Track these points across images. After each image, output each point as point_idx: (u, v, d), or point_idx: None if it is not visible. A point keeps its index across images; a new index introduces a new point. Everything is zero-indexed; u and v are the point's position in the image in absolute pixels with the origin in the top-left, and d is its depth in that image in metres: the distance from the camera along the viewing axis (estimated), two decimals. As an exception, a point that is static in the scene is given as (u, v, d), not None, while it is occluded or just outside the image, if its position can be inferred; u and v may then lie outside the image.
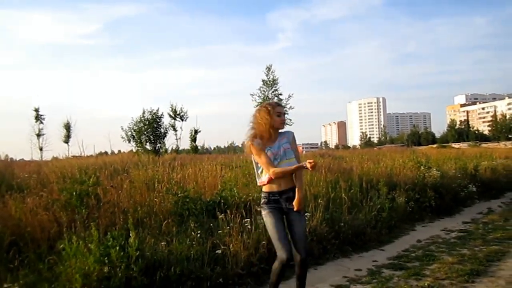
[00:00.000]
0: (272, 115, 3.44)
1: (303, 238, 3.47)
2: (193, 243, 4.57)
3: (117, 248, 3.66)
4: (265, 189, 3.49)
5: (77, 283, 3.37)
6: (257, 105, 25.46)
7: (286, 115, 3.67)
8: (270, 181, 3.43)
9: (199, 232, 4.78)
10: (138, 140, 23.52)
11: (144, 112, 23.85)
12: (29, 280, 3.72)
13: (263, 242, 4.91)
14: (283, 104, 3.73)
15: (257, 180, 3.58)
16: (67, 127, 33.33)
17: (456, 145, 64.12)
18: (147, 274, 3.67)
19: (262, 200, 3.49)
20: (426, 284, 4.31)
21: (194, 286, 3.72)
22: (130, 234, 3.80)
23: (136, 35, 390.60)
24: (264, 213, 3.45)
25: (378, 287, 4.28)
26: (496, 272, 4.74)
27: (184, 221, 5.40)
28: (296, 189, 3.45)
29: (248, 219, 5.21)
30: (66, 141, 33.19)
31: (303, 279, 3.54)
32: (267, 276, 4.61)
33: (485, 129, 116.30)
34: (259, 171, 3.54)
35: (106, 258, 3.60)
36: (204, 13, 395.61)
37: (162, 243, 4.42)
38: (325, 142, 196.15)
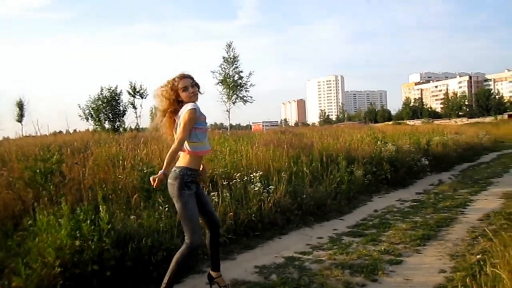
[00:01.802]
0: (176, 89, 3.24)
1: (213, 207, 3.60)
2: (162, 216, 4.68)
3: (88, 222, 3.72)
4: (190, 165, 3.24)
5: (50, 256, 3.40)
6: (217, 83, 25.40)
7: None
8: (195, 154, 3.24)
9: (167, 206, 4.85)
10: (97, 118, 22.99)
11: (102, 90, 23.28)
12: (-3, 257, 3.73)
13: (230, 214, 5.10)
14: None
15: (188, 148, 3.23)
16: (20, 105, 31.87)
17: (410, 122, 66.52)
18: (119, 247, 3.75)
19: (188, 178, 3.21)
20: (382, 248, 4.65)
21: (166, 256, 3.84)
22: (100, 209, 3.85)
23: (90, 9, 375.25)
24: (187, 193, 3.19)
25: (339, 252, 4.57)
26: (445, 236, 5.16)
27: (151, 196, 5.47)
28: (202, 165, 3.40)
29: (215, 192, 5.36)
30: (19, 120, 31.81)
31: (218, 245, 3.60)
32: (234, 246, 4.85)
33: (437, 106, 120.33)
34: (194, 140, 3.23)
35: (77, 232, 3.65)
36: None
37: (132, 217, 4.50)
38: (285, 119, 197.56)
